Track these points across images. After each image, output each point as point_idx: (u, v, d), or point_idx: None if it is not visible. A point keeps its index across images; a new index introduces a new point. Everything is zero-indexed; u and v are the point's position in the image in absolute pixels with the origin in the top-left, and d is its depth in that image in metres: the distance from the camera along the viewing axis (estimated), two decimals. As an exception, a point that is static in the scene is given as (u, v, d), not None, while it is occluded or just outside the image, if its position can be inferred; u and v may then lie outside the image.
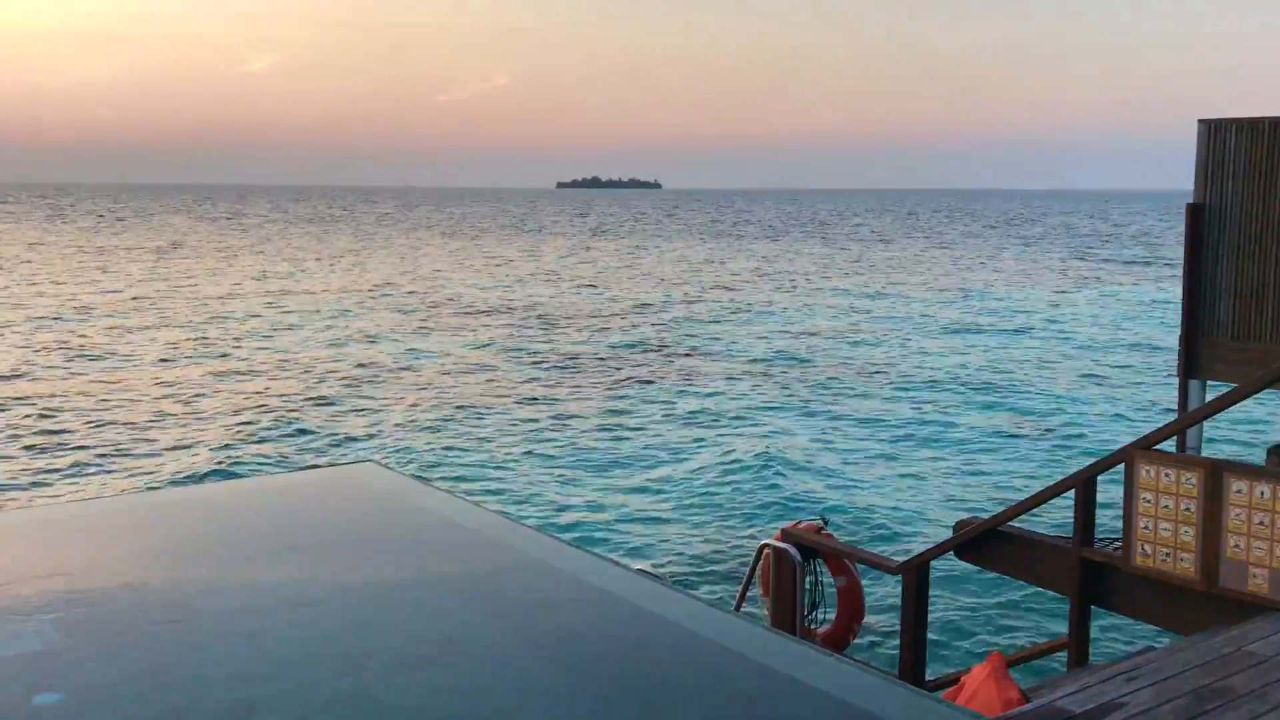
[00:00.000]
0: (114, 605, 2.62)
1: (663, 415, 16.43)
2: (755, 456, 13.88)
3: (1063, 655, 6.65)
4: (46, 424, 15.17)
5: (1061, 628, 7.30)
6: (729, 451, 14.27)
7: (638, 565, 7.44)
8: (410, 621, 2.37)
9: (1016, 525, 6.44)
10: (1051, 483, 6.36)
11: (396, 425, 15.42)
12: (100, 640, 2.43)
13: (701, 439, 14.96)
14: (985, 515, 6.79)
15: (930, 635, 6.96)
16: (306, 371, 19.85)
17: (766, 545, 7.21)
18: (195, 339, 24.00)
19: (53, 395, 17.06)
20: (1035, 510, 6.38)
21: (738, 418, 16.26)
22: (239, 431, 14.81)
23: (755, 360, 21.81)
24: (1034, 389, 19.11)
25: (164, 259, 49.02)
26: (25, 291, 33.24)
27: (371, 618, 2.38)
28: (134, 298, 32.44)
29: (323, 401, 17.23)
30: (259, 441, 14.45)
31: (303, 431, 15.09)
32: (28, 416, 15.47)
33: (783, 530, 7.33)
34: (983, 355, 22.72)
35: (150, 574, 2.81)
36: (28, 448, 13.72)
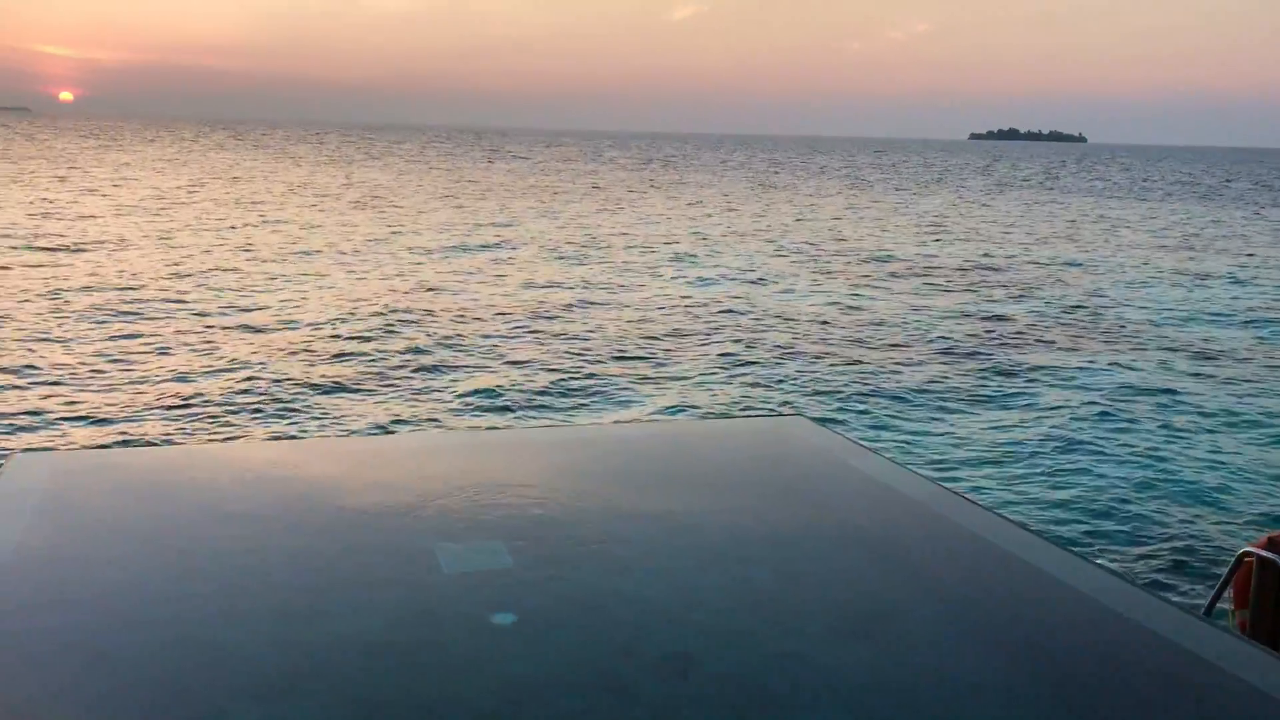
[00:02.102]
0: (558, 531, 2.76)
1: (1112, 391, 15.05)
2: (1248, 444, 12.42)
3: None
4: (540, 351, 16.54)
5: None
6: (1214, 439, 12.75)
7: (1099, 560, 6.88)
8: (838, 586, 2.29)
9: None
10: None
11: (816, 378, 15.34)
12: (546, 565, 2.58)
13: (1177, 428, 13.36)
14: None
15: None
16: (725, 314, 20.33)
17: (1249, 553, 6.49)
18: (624, 278, 25.34)
19: (514, 328, 18.52)
20: None
21: (1235, 410, 14.26)
22: (662, 371, 15.35)
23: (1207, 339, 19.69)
24: None
25: (587, 198, 52.14)
26: (477, 222, 36.65)
27: (799, 577, 2.34)
28: (578, 233, 34.91)
29: (740, 344, 17.50)
30: (676, 381, 14.93)
31: (719, 372, 15.40)
32: (497, 349, 16.85)
33: (1269, 538, 6.58)
34: None
35: (590, 501, 2.95)
36: (496, 381, 14.86)
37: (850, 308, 21.85)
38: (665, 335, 17.88)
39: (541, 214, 42.32)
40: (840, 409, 13.68)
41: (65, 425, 11.61)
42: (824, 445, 3.13)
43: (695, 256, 29.81)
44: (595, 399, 13.60)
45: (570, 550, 2.54)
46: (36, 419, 11.81)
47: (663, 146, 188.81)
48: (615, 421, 12.09)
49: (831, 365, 16.15)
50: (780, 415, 4.52)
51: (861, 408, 13.83)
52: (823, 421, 3.91)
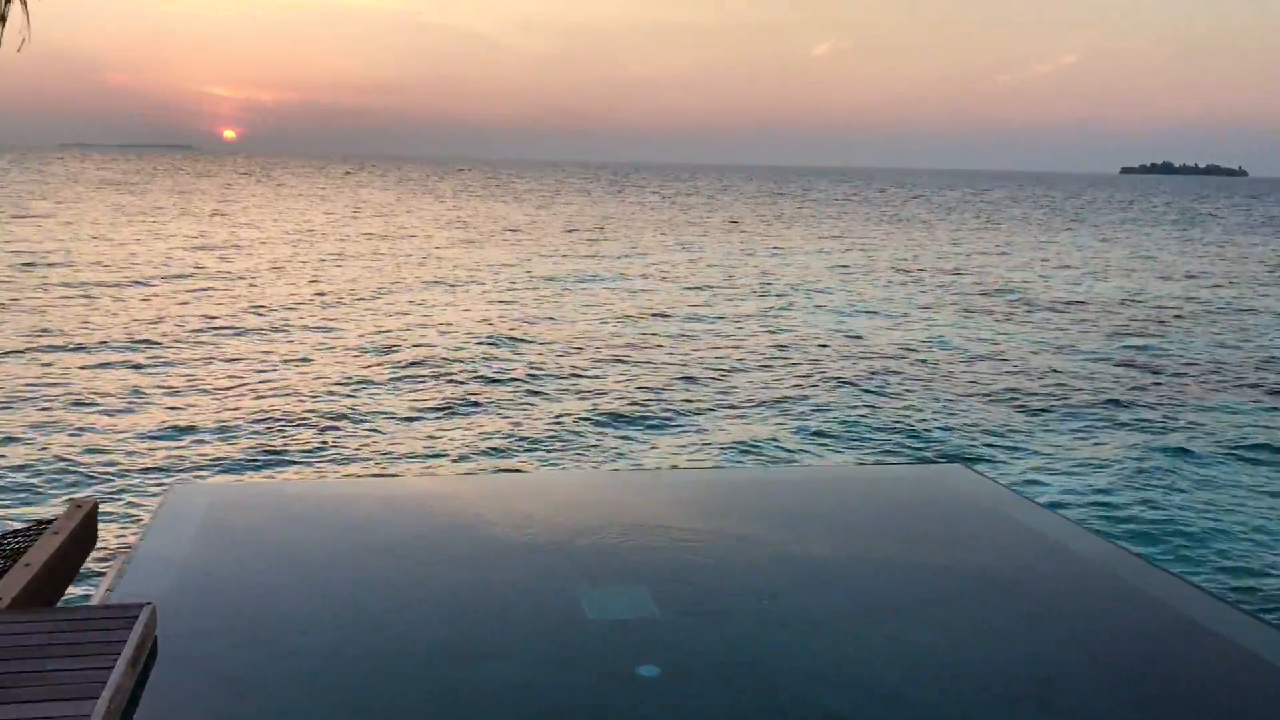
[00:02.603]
0: (705, 579, 2.70)
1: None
2: None
3: None
4: (642, 386, 16.59)
5: None
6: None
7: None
8: (1003, 649, 2.16)
9: None
10: None
11: (969, 421, 14.77)
12: (693, 615, 2.51)
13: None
14: None
15: None
16: (861, 353, 19.98)
17: None
18: (758, 310, 25.22)
19: (645, 360, 18.60)
20: None
21: None
22: (801, 411, 15.08)
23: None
24: None
25: (721, 233, 52.21)
26: (612, 255, 37.08)
27: (961, 638, 2.21)
28: (707, 266, 34.97)
29: (884, 383, 17.05)
30: (819, 419, 14.65)
31: (865, 416, 14.98)
32: (629, 379, 16.92)
33: None
34: None
35: (740, 547, 2.88)
36: (628, 409, 14.90)
37: (994, 346, 21.23)
38: (804, 374, 17.62)
39: (676, 248, 42.53)
40: (996, 455, 13.01)
41: (222, 455, 11.94)
42: (984, 495, 2.99)
43: (831, 292, 29.50)
44: (739, 440, 13.39)
45: (718, 599, 2.46)
46: (194, 448, 12.21)
47: (799, 180, 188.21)
48: (761, 464, 11.91)
49: (982, 407, 15.59)
50: (937, 463, 4.37)
51: (1019, 454, 13.10)
52: (981, 470, 3.74)
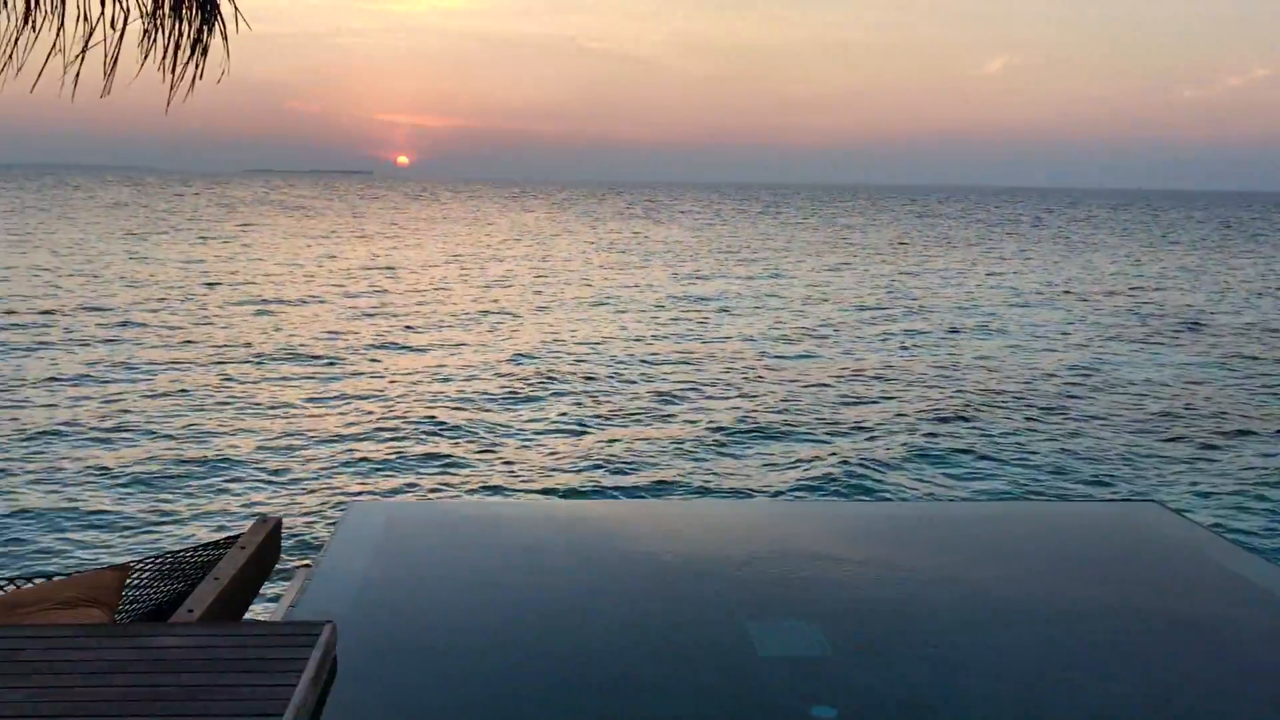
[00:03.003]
0: (881, 617, 2.61)
1: None
2: None
3: None
4: (777, 410, 16.44)
5: None
6: None
7: None
8: (1214, 709, 2.00)
9: None
10: None
11: (1153, 456, 13.93)
12: (868, 655, 2.43)
13: None
14: None
15: None
16: (1035, 379, 19.25)
17: None
18: (925, 332, 24.67)
19: (805, 384, 18.40)
20: None
21: None
22: (971, 440, 14.58)
23: None
24: None
25: (888, 255, 51.33)
26: (776, 277, 36.91)
27: (1165, 696, 2.06)
28: (873, 287, 34.46)
29: (1061, 416, 16.09)
30: (990, 448, 14.14)
31: (1040, 446, 14.32)
32: (790, 402, 16.76)
33: None
34: None
35: (915, 585, 2.78)
36: (790, 432, 14.76)
37: (1178, 374, 20.17)
38: (973, 401, 17.06)
39: (838, 269, 42.03)
40: (1188, 493, 12.10)
41: (395, 472, 12.24)
42: (1181, 536, 2.81)
43: (1001, 315, 28.62)
44: (905, 467, 13.04)
45: (895, 640, 2.37)
46: (369, 465, 12.55)
47: (967, 200, 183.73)
48: (929, 495, 11.57)
49: (1171, 440, 14.72)
50: (1127, 500, 4.13)
51: (1214, 492, 12.20)
52: (1176, 508, 3.52)
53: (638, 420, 15.16)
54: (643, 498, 10.99)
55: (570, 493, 11.25)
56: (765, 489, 11.98)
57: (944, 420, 15.54)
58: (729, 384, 17.99)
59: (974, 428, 15.16)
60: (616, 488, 11.72)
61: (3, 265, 35.25)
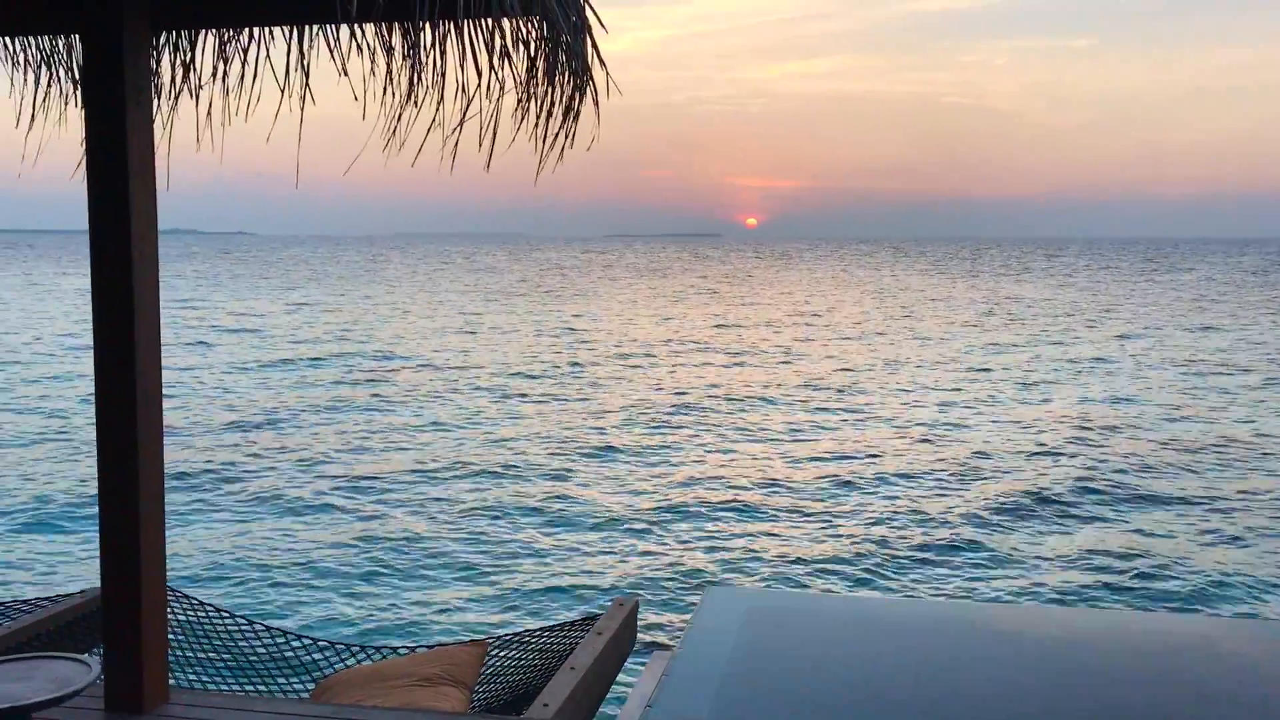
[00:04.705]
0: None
1: None
2: None
3: None
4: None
5: None
6: None
7: None
8: None
9: None
10: None
11: None
12: None
13: None
14: None
15: None
16: None
17: None
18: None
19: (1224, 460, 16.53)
20: None
21: None
22: None
23: None
24: None
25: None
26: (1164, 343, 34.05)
27: None
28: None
29: None
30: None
31: None
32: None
33: None
34: None
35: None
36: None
37: None
38: None
39: (1231, 329, 38.12)
40: None
41: (753, 555, 11.37)
42: None
43: None
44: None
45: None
46: (726, 544, 11.84)
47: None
48: None
49: None
50: None
51: None
52: None
53: (1049, 507, 13.50)
54: (1049, 603, 9.80)
55: (964, 593, 10.19)
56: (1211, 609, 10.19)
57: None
58: (1164, 464, 16.06)
59: None
60: (1017, 590, 10.38)
61: (405, 326, 38.94)
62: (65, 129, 3.47)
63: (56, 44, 3.52)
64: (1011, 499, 13.68)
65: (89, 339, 3.08)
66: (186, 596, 4.21)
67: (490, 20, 2.84)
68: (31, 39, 3.51)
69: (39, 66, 3.53)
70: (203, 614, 4.13)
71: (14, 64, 3.53)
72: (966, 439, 17.82)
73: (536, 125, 2.98)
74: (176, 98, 3.48)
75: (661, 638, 8.39)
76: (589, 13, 2.87)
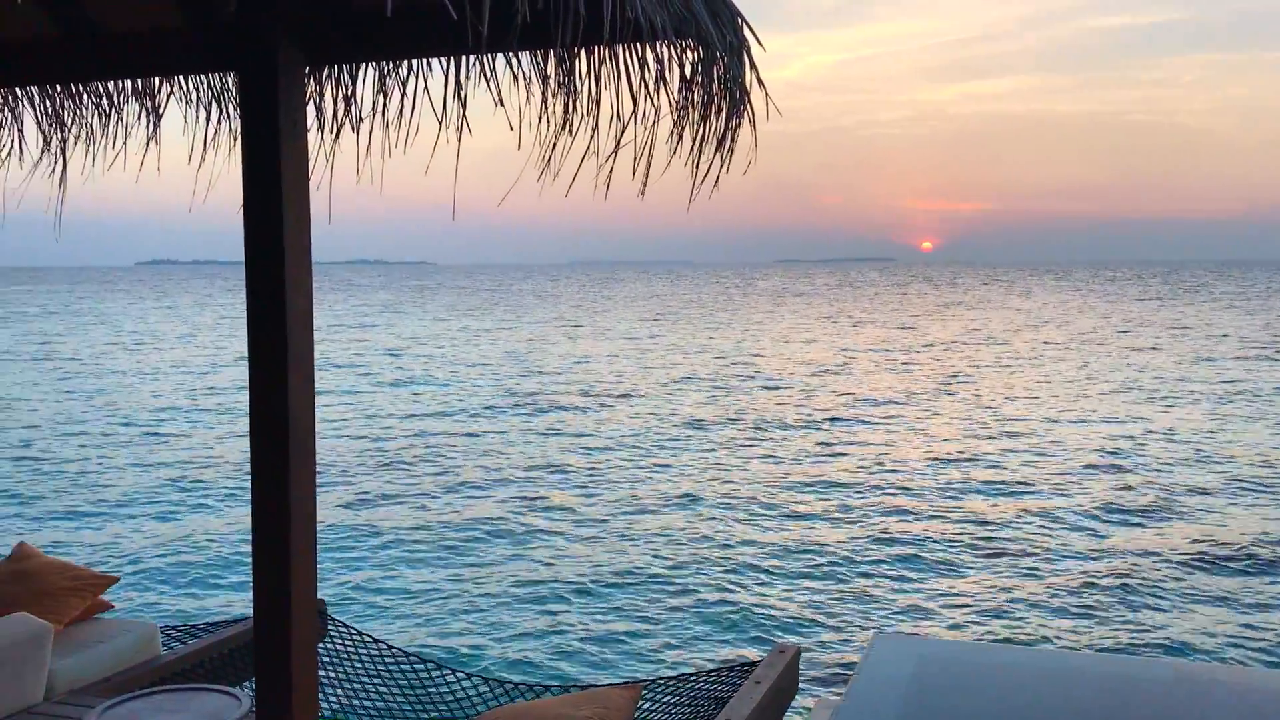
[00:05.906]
0: None
1: None
2: None
3: None
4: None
5: None
6: None
7: None
8: None
9: None
10: None
11: None
12: None
13: None
14: None
15: None
16: None
17: None
18: None
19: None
20: None
21: None
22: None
23: None
24: None
25: None
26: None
27: None
28: None
29: None
30: None
31: None
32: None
33: None
34: None
35: None
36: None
37: None
38: None
39: None
40: None
41: (924, 605, 10.70)
42: None
43: None
44: None
45: None
46: (897, 588, 11.23)
47: None
48: None
49: None
50: None
51: None
52: None
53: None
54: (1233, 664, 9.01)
55: (1149, 650, 9.39)
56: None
57: None
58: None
59: None
60: (1205, 651, 9.56)
61: (569, 352, 39.56)
62: (231, 165, 3.55)
63: (226, 81, 3.60)
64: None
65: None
66: (345, 625, 4.23)
67: (642, 44, 2.75)
68: (203, 77, 3.60)
69: (209, 104, 3.62)
70: (357, 641, 4.14)
71: (187, 102, 3.64)
72: None
73: (692, 149, 2.88)
74: (339, 131, 3.50)
75: (827, 691, 7.96)
76: (746, 31, 2.74)
